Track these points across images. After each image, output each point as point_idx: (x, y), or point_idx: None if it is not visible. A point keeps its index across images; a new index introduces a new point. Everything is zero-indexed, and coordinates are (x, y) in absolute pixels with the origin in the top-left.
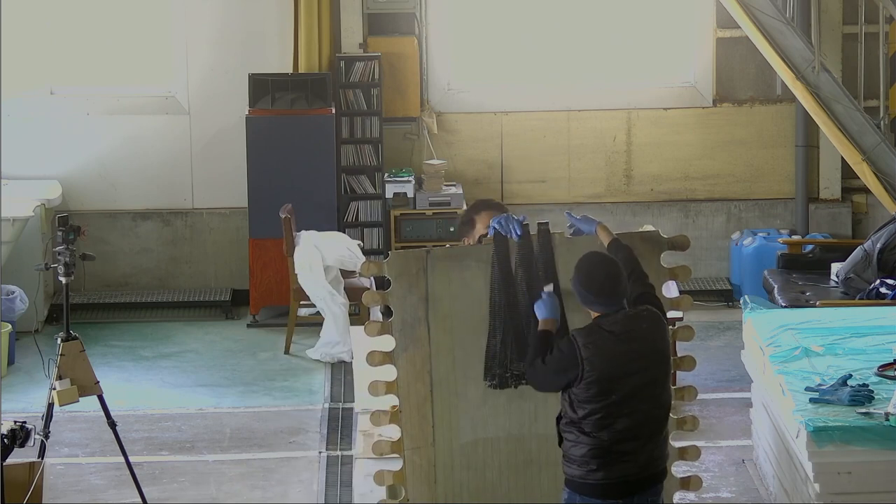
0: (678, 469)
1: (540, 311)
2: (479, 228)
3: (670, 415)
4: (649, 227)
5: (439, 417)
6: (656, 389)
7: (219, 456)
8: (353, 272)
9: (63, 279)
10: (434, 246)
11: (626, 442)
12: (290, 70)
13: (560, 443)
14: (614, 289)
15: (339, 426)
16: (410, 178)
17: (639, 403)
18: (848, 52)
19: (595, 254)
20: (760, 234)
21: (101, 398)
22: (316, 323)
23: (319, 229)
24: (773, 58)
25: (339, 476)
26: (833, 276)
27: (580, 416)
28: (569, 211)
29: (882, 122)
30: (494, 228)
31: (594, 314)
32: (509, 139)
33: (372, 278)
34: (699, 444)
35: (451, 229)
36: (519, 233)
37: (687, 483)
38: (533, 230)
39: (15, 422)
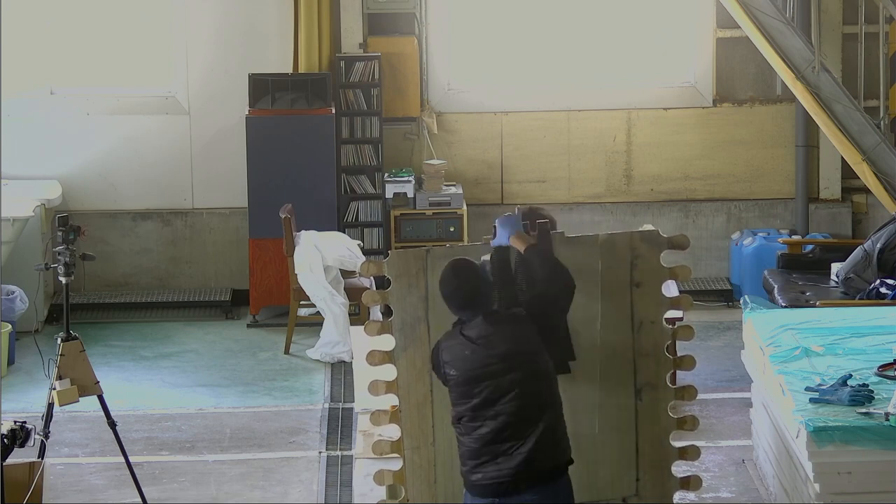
0: (678, 469)
1: (503, 235)
2: None
3: (561, 411)
4: (649, 227)
5: (439, 417)
6: (524, 390)
7: (219, 456)
8: (353, 272)
9: (63, 279)
10: (434, 246)
11: (496, 444)
12: (290, 70)
13: None
14: (465, 300)
15: (339, 426)
16: (410, 178)
17: (505, 405)
18: (848, 52)
19: (454, 262)
20: (760, 234)
21: (101, 398)
22: (316, 323)
23: (319, 229)
24: (773, 58)
25: (339, 476)
26: (833, 276)
27: (454, 419)
28: (507, 214)
29: (882, 122)
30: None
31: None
32: (509, 139)
33: (372, 278)
34: (699, 444)
35: (452, 229)
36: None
37: (687, 483)
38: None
39: (15, 422)
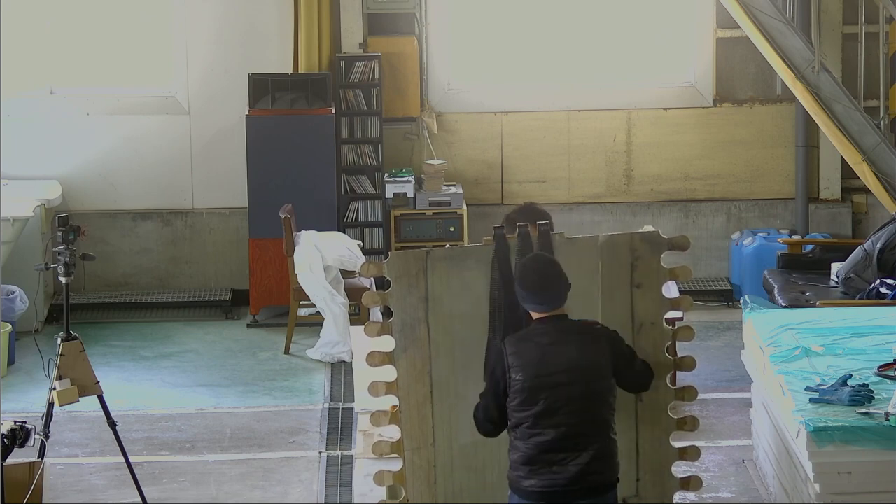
0: (678, 469)
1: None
2: None
3: (608, 429)
4: (649, 227)
5: (439, 418)
6: (586, 404)
7: (219, 456)
8: (353, 272)
9: (63, 279)
10: (434, 246)
11: (552, 452)
12: (290, 70)
13: None
14: (545, 286)
15: (339, 426)
16: (410, 178)
17: (566, 416)
18: (848, 52)
19: (538, 255)
20: (760, 234)
21: (101, 398)
22: (316, 323)
23: (319, 229)
24: (773, 58)
25: (339, 476)
26: (833, 276)
27: (512, 424)
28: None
29: (882, 122)
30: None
31: (533, 317)
32: (509, 139)
33: (372, 278)
34: (699, 444)
35: (452, 229)
36: None
37: (687, 483)
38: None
39: (15, 422)
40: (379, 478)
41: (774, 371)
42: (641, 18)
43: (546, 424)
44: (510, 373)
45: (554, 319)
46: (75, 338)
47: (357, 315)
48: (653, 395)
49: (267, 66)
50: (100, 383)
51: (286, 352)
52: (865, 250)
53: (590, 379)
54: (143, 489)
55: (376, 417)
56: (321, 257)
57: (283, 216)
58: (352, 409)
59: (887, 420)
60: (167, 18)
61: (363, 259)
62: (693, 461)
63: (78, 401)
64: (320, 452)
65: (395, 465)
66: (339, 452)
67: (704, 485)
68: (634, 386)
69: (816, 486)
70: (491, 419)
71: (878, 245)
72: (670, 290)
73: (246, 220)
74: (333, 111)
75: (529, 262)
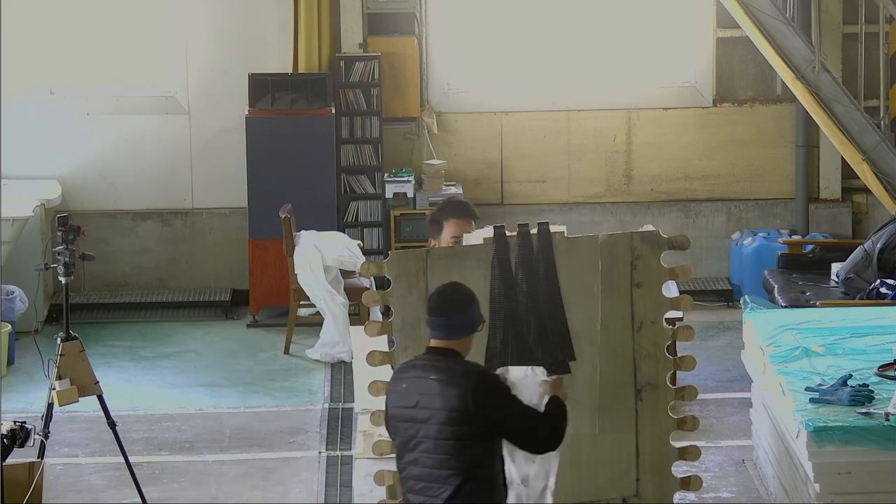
0: (678, 469)
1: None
2: (446, 235)
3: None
4: (649, 227)
5: None
6: (439, 447)
7: (219, 456)
8: (353, 272)
9: (63, 279)
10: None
11: (412, 492)
12: (290, 70)
13: None
14: (439, 311)
15: (339, 426)
16: (410, 178)
17: (421, 454)
18: (848, 52)
19: (455, 283)
20: (760, 234)
21: (100, 398)
22: (316, 323)
23: (319, 229)
24: (773, 58)
25: (339, 476)
26: (833, 276)
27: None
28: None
29: (882, 122)
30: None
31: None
32: (509, 139)
33: (372, 278)
34: (699, 444)
35: None
36: None
37: (687, 483)
38: (533, 229)
39: (15, 422)
40: (379, 478)
41: (774, 371)
42: (641, 18)
43: (407, 459)
44: (387, 395)
45: (440, 352)
46: (75, 338)
47: (357, 315)
48: (653, 394)
49: (267, 66)
50: (99, 383)
51: (286, 352)
52: (865, 250)
53: (443, 421)
54: (143, 489)
55: (376, 417)
56: (321, 257)
57: (283, 216)
58: (352, 409)
59: (887, 420)
60: (167, 18)
61: (363, 259)
62: (693, 461)
63: (78, 401)
64: (320, 452)
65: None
66: (339, 452)
67: (704, 485)
68: (522, 442)
69: (816, 486)
70: None
71: (879, 245)
72: (670, 289)
73: (246, 220)
74: (333, 111)
75: (442, 286)
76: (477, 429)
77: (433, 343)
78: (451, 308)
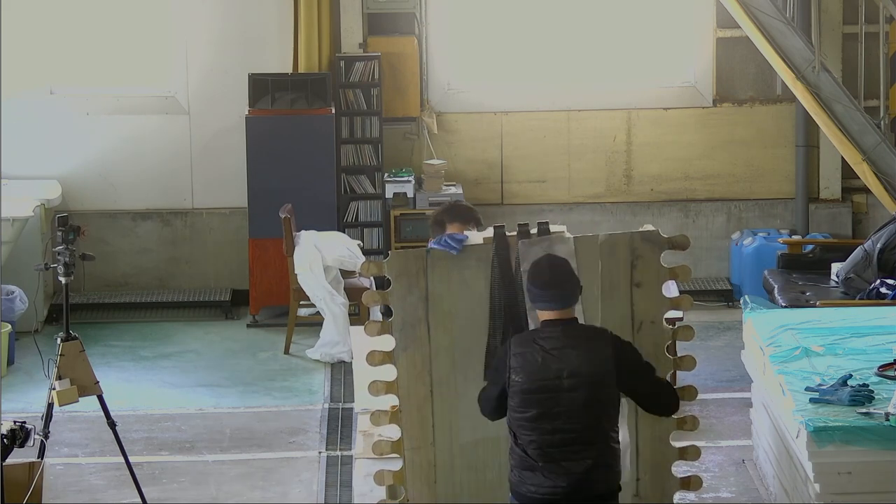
0: (678, 469)
1: None
2: None
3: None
4: (649, 227)
5: (439, 417)
6: (587, 411)
7: (219, 456)
8: (353, 272)
9: (63, 279)
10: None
11: (551, 459)
12: (290, 70)
13: None
14: (556, 284)
15: (339, 426)
16: (410, 178)
17: (564, 422)
18: (848, 52)
19: (550, 255)
20: (760, 234)
21: (100, 398)
22: (316, 323)
23: (319, 229)
24: (773, 58)
25: (339, 476)
26: (833, 276)
27: (512, 426)
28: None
29: (882, 122)
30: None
31: (540, 318)
32: (509, 139)
33: (372, 278)
34: (699, 444)
35: None
36: (457, 248)
37: (687, 483)
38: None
39: (15, 422)
40: (379, 478)
41: (774, 371)
42: (641, 18)
43: (545, 429)
44: (510, 373)
45: (562, 322)
46: (75, 338)
47: (357, 315)
48: None
49: (267, 66)
50: (99, 383)
51: (286, 352)
52: (865, 250)
53: (591, 386)
54: (143, 489)
55: (376, 417)
56: (321, 257)
57: (282, 216)
58: (352, 409)
59: (887, 420)
60: (167, 18)
61: (363, 259)
62: (693, 461)
63: (78, 401)
64: (320, 452)
65: (395, 464)
66: (339, 452)
67: (704, 485)
68: (648, 403)
69: (816, 486)
70: (491, 409)
71: (879, 245)
72: (670, 289)
73: (246, 220)
74: (333, 111)
75: (542, 260)
76: (623, 388)
77: (549, 316)
78: (564, 278)
